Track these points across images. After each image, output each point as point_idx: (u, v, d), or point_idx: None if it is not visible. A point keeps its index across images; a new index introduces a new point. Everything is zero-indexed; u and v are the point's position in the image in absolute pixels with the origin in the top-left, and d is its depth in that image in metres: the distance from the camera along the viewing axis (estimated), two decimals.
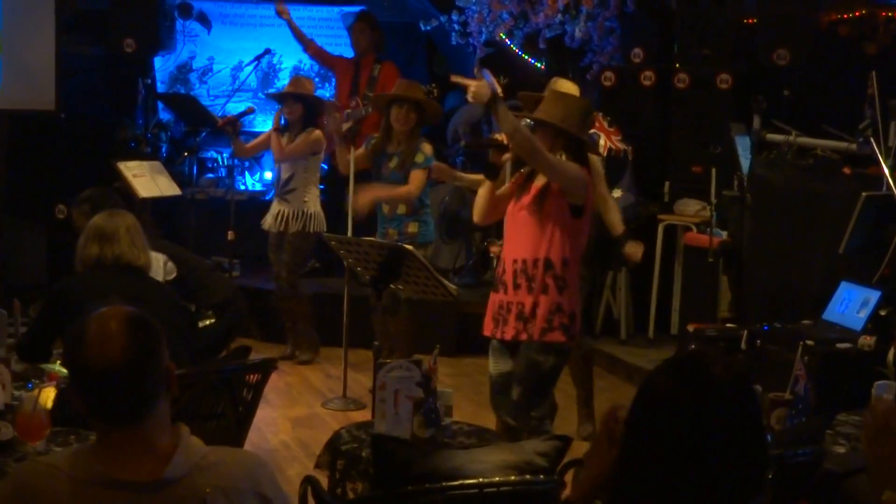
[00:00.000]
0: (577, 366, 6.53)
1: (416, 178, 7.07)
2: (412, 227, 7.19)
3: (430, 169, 7.00)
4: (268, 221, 8.01)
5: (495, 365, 5.19)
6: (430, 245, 7.47)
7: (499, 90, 8.92)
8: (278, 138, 7.94)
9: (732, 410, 2.12)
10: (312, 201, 7.95)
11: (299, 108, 7.91)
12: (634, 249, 6.22)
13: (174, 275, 5.56)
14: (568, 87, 6.43)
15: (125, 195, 5.46)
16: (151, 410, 2.44)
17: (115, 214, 4.63)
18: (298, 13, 9.95)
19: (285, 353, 8.15)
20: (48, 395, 3.64)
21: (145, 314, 2.50)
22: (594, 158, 6.27)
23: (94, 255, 4.51)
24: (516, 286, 5.01)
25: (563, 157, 4.97)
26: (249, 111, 8.81)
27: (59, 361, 4.07)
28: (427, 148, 7.12)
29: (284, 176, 7.97)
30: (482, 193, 5.12)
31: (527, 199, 5.03)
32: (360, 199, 7.10)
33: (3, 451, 3.62)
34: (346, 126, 8.55)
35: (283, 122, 8.01)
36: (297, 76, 8.97)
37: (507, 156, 5.03)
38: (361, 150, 7.31)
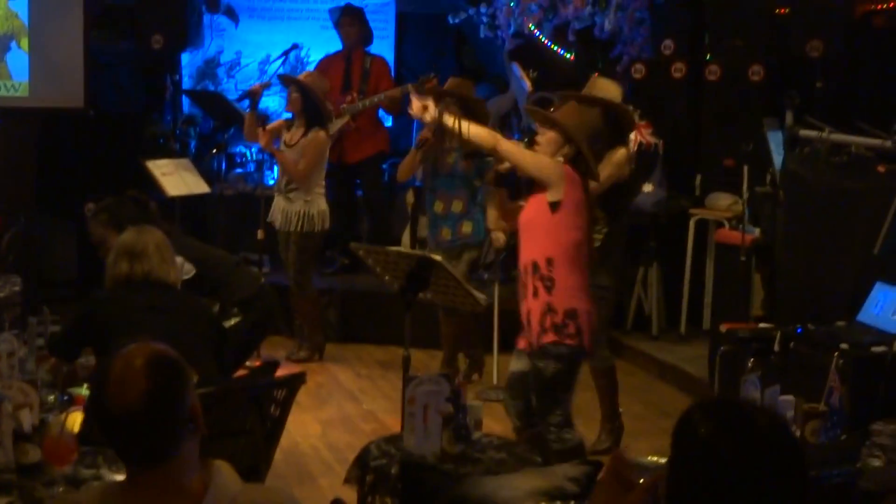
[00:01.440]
0: (600, 381, 6.35)
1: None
2: (466, 227, 7.17)
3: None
4: (277, 219, 7.90)
5: (514, 363, 5.16)
6: (484, 242, 7.40)
7: (528, 85, 8.79)
8: (285, 131, 7.92)
9: (778, 461, 2.16)
10: (315, 199, 7.82)
11: (298, 99, 7.80)
12: None
13: (192, 274, 5.54)
14: (605, 86, 6.30)
15: (140, 203, 5.48)
16: (176, 451, 2.41)
17: (144, 231, 4.65)
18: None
19: (290, 352, 8.09)
20: (75, 420, 3.63)
21: (171, 354, 2.46)
22: (620, 151, 6.06)
23: (125, 272, 4.54)
24: (520, 294, 5.01)
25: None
26: (267, 85, 8.66)
27: (85, 385, 4.07)
28: None
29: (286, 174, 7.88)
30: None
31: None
32: (500, 235, 7.07)
33: (30, 474, 3.62)
34: (342, 122, 8.50)
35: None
36: (308, 71, 8.87)
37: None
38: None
